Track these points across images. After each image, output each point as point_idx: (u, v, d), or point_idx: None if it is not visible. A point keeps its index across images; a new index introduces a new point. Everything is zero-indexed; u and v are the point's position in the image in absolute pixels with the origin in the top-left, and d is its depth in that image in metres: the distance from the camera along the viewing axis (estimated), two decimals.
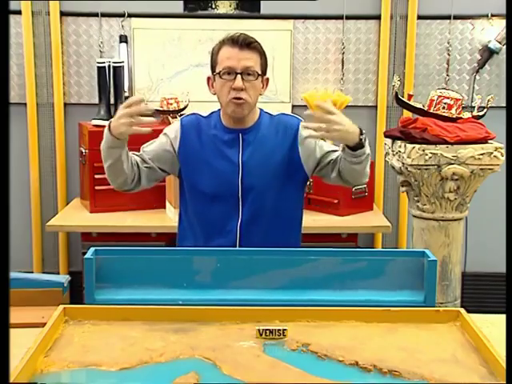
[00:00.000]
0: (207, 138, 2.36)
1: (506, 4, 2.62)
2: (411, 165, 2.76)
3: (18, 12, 3.81)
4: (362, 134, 2.21)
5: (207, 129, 2.37)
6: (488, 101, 2.91)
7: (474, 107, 2.94)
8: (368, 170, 2.31)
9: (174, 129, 2.40)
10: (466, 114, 2.88)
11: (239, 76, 2.23)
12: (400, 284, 1.82)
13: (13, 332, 1.25)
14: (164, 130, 2.44)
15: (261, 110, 2.42)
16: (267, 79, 2.36)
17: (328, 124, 2.13)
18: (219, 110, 2.39)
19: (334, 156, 2.35)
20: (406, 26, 3.93)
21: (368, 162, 2.28)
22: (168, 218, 3.48)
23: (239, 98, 2.25)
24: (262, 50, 2.30)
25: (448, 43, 3.95)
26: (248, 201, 2.31)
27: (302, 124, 2.31)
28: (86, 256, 1.79)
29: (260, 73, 2.28)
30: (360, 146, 2.21)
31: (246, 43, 2.24)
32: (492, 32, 3.91)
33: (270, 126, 2.37)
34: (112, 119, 2.22)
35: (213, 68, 2.32)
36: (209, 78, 2.35)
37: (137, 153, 2.40)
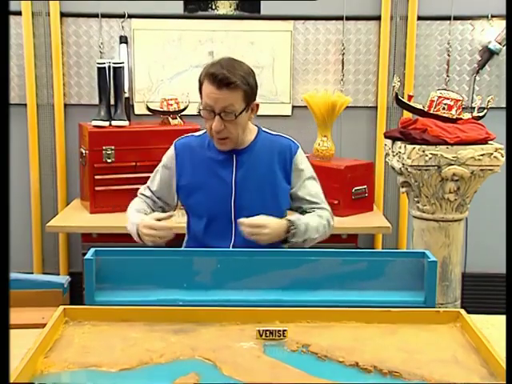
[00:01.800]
0: (200, 159, 2.35)
1: (506, 5, 2.62)
2: (411, 165, 2.76)
3: (19, 13, 3.81)
4: (289, 231, 2.23)
5: (200, 150, 2.36)
6: (488, 102, 2.91)
7: (474, 108, 2.94)
8: (318, 239, 2.35)
9: (170, 156, 2.40)
10: (466, 115, 2.88)
11: (217, 117, 2.19)
12: (400, 285, 1.82)
13: (13, 333, 1.25)
14: (162, 162, 2.44)
15: (259, 128, 2.39)
16: (257, 105, 2.31)
17: (257, 236, 2.16)
18: None
19: (304, 207, 2.39)
20: (406, 27, 3.93)
21: (313, 238, 2.31)
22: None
23: (221, 138, 2.24)
24: (244, 85, 2.19)
25: (448, 44, 3.95)
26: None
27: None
28: (86, 257, 1.79)
29: (242, 109, 2.21)
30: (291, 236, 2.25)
31: (224, 83, 2.15)
32: (492, 33, 3.91)
33: (265, 147, 2.35)
34: (140, 226, 2.26)
35: (200, 94, 2.26)
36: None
37: (145, 197, 2.46)
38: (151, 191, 2.45)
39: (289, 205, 2.41)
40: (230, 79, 2.16)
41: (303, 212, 2.39)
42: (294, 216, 2.30)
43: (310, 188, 2.40)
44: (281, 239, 2.23)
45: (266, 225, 2.16)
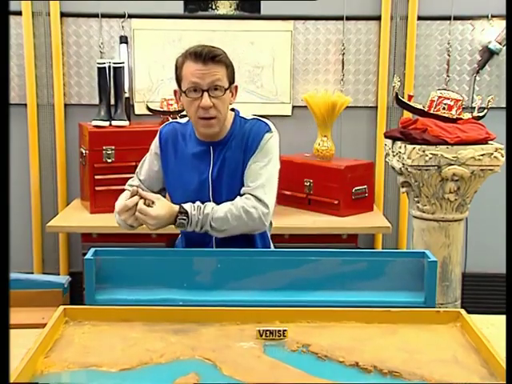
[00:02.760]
0: (181, 150, 2.31)
1: (506, 5, 2.62)
2: (411, 165, 2.76)
3: (19, 13, 3.81)
4: (176, 221, 2.12)
5: (182, 139, 2.32)
6: (488, 101, 2.91)
7: (475, 108, 2.95)
8: (231, 229, 2.16)
9: (155, 143, 2.36)
10: (467, 115, 2.88)
11: (206, 94, 2.14)
12: (400, 285, 1.83)
13: (13, 333, 1.25)
14: (151, 148, 2.39)
15: (236, 113, 2.32)
16: (236, 87, 2.27)
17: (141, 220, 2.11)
18: None
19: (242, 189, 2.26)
20: (406, 27, 3.93)
21: (221, 232, 2.15)
22: None
23: (209, 118, 2.18)
24: (227, 61, 2.19)
25: (448, 44, 3.95)
26: None
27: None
28: (86, 257, 1.79)
29: (227, 86, 2.18)
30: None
31: (209, 57, 2.13)
32: (492, 33, 3.91)
33: (239, 136, 2.28)
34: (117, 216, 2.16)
35: (178, 82, 2.22)
36: (175, 92, 2.28)
37: (135, 183, 2.37)
38: (140, 180, 2.39)
39: None
40: (215, 52, 2.15)
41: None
42: (196, 206, 2.17)
43: (253, 170, 2.24)
44: (169, 224, 2.15)
45: (152, 214, 2.08)
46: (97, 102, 3.73)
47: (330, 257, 1.86)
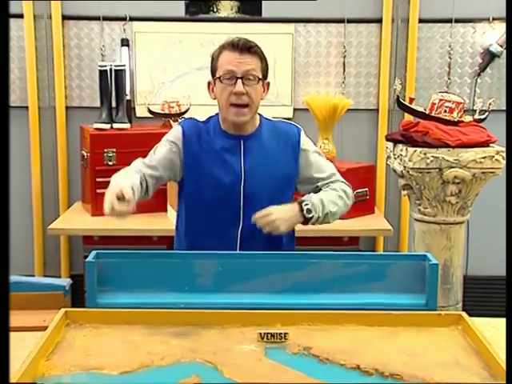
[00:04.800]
0: (207, 145, 2.32)
1: (506, 8, 2.63)
2: (413, 168, 2.76)
3: (20, 15, 3.82)
4: (302, 209, 2.26)
5: (206, 135, 2.33)
6: (489, 104, 2.91)
7: (476, 111, 2.95)
8: (339, 212, 2.39)
9: (177, 136, 2.34)
10: (468, 118, 2.88)
11: (240, 80, 2.21)
12: (401, 287, 1.82)
13: (14, 335, 1.25)
14: (167, 137, 2.37)
15: (260, 115, 2.40)
16: (268, 83, 2.34)
17: (270, 224, 2.19)
18: (217, 114, 2.37)
19: (318, 185, 2.39)
20: (407, 30, 3.93)
21: (334, 215, 2.35)
22: (169, 221, 3.48)
23: (240, 105, 2.23)
24: (262, 55, 2.28)
25: (449, 47, 3.95)
26: (249, 208, 2.29)
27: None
28: (87, 259, 1.79)
29: (261, 77, 2.26)
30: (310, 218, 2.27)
31: (246, 47, 2.23)
32: (493, 35, 3.91)
33: (270, 133, 2.36)
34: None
35: (213, 73, 2.30)
36: (209, 83, 2.33)
37: (142, 166, 2.32)
38: (149, 166, 2.32)
39: (295, 189, 2.41)
40: (251, 43, 2.25)
41: (318, 191, 2.39)
42: (303, 197, 2.32)
43: (319, 165, 2.41)
44: (299, 221, 2.26)
45: (271, 211, 2.19)
46: (98, 104, 3.74)
47: (332, 259, 1.86)
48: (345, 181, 2.46)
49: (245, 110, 2.25)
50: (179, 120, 3.74)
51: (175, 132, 2.38)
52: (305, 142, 2.40)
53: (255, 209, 2.28)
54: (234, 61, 2.22)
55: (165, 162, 2.34)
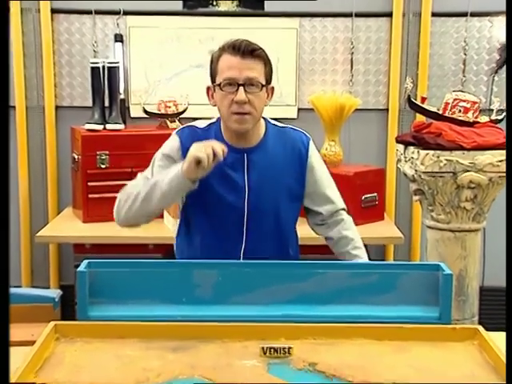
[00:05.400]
0: None
1: (506, 8, 2.64)
2: (425, 172, 2.76)
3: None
4: None
5: None
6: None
7: (493, 110, 2.95)
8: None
9: (174, 149, 2.31)
10: (484, 118, 2.88)
11: (241, 88, 2.17)
12: (413, 299, 1.82)
13: None
14: (164, 151, 2.33)
15: (266, 120, 2.38)
16: (272, 88, 2.32)
17: None
18: (218, 120, 2.34)
19: (322, 210, 2.45)
20: (419, 24, 3.93)
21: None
22: (166, 228, 3.49)
23: (243, 113, 2.20)
24: (266, 58, 2.24)
25: (464, 42, 3.96)
26: (253, 226, 2.30)
27: None
28: (78, 269, 1.79)
29: (264, 83, 2.22)
30: None
31: (248, 51, 2.18)
32: None
33: (277, 142, 2.34)
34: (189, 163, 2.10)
35: (212, 77, 2.26)
36: (208, 88, 2.29)
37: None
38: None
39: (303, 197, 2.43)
40: (253, 46, 2.20)
41: (323, 219, 2.44)
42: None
43: (325, 183, 2.43)
44: None
45: None
46: (90, 104, 3.75)
47: (339, 269, 1.86)
48: (345, 207, 2.51)
49: (247, 117, 2.21)
50: (176, 120, 3.76)
51: (172, 143, 2.34)
52: (315, 155, 2.40)
53: (259, 226, 2.28)
54: (235, 66, 2.17)
55: None
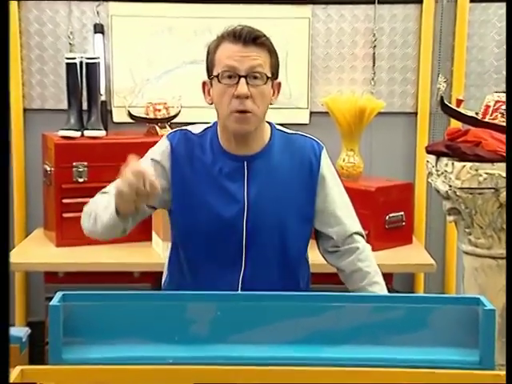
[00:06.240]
0: (201, 166, 2.31)
1: (506, 7, 2.65)
2: (461, 188, 2.76)
3: None
4: None
5: (201, 153, 2.32)
6: None
7: None
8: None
9: (163, 153, 2.33)
10: None
11: (243, 80, 2.19)
12: (448, 339, 1.83)
13: None
14: (151, 155, 2.35)
15: (272, 125, 2.39)
16: (279, 84, 2.34)
17: None
18: (215, 124, 2.36)
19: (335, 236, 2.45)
20: (454, 12, 3.94)
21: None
22: (155, 253, 3.49)
23: (244, 111, 2.21)
24: (272, 47, 2.26)
25: None
26: (253, 247, 2.31)
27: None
28: (50, 303, 1.80)
29: (270, 75, 2.24)
30: None
31: (251, 38, 2.20)
32: None
33: (283, 150, 2.35)
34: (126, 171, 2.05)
35: (209, 71, 2.28)
36: (204, 84, 2.32)
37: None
38: None
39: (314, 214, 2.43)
40: (257, 33, 2.22)
41: (335, 246, 2.43)
42: None
43: (337, 200, 2.44)
44: None
45: None
46: (65, 106, 3.76)
47: (358, 302, 1.87)
48: (363, 233, 2.51)
49: (248, 116, 2.22)
50: (167, 126, 3.77)
51: (161, 148, 2.35)
52: (325, 166, 2.41)
53: (262, 249, 2.29)
54: (235, 55, 2.20)
55: None
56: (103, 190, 2.35)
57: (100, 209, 2.23)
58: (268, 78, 2.24)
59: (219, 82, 2.22)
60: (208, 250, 2.33)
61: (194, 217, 2.31)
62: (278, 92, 2.35)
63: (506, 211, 1.63)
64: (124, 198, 2.06)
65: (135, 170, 2.01)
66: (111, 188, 2.27)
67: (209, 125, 2.38)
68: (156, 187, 2.04)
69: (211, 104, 2.29)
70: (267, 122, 2.38)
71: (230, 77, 2.21)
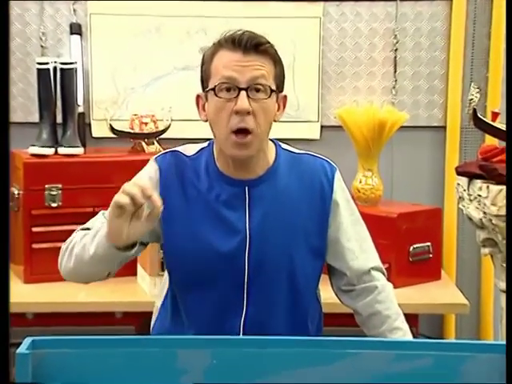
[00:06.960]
0: (196, 193, 2.30)
1: (506, 7, 2.67)
2: (497, 215, 2.76)
3: None
4: None
5: (195, 178, 2.31)
6: None
7: None
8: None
9: (151, 179, 2.31)
10: None
11: (243, 93, 2.17)
12: None
13: None
14: (136, 181, 2.22)
15: (276, 144, 2.39)
16: (284, 97, 2.33)
17: None
18: (210, 144, 2.35)
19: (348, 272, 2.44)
20: (490, 9, 3.95)
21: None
22: (140, 290, 3.49)
23: (244, 130, 2.18)
24: (276, 55, 2.26)
25: None
26: (256, 285, 2.30)
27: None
28: (18, 350, 1.80)
29: (274, 88, 2.24)
30: None
31: (253, 45, 2.19)
32: None
33: (291, 173, 2.35)
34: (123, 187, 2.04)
35: (204, 83, 2.27)
36: (199, 98, 2.31)
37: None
38: None
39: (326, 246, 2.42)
40: (259, 39, 2.21)
41: (350, 284, 2.43)
42: None
43: (350, 231, 2.43)
44: None
45: None
46: (36, 119, 3.77)
47: (378, 349, 1.86)
48: (383, 269, 2.52)
49: (248, 139, 2.20)
50: (155, 142, 3.78)
51: (149, 173, 2.35)
52: (339, 190, 2.39)
53: (266, 287, 2.29)
54: (234, 64, 2.18)
55: None
56: (83, 225, 2.32)
57: (86, 240, 2.19)
58: (272, 90, 2.22)
59: (216, 95, 2.20)
60: (203, 290, 2.32)
61: (186, 251, 2.31)
62: (284, 107, 2.34)
63: (506, 214, 1.62)
64: (121, 214, 2.02)
65: (136, 184, 2.03)
66: (96, 222, 2.27)
67: (204, 145, 2.37)
68: (159, 204, 2.03)
69: (206, 121, 2.26)
70: (271, 140, 2.37)
71: (228, 89, 2.19)
